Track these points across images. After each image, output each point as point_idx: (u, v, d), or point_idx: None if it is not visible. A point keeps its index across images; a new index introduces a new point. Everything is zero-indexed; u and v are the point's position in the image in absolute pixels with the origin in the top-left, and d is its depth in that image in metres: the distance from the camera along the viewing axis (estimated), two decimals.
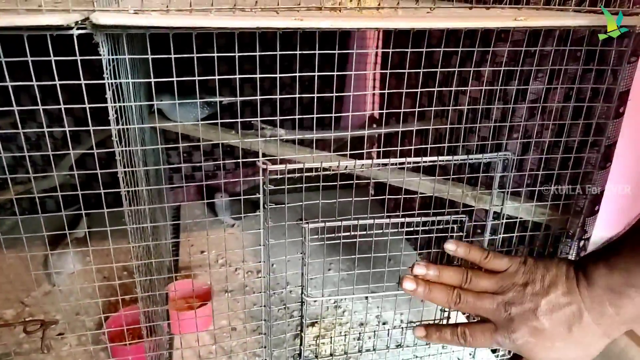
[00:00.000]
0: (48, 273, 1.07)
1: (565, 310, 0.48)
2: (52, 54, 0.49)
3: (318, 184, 0.68)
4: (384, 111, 1.21)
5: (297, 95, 0.62)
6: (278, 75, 0.58)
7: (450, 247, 0.58)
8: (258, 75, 0.57)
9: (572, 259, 0.80)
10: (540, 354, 0.50)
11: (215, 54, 0.55)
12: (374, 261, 0.75)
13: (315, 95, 0.60)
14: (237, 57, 0.55)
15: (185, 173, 1.47)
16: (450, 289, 0.54)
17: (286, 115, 0.68)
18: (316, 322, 0.94)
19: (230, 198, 1.31)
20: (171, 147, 1.37)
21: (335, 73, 0.62)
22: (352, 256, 0.74)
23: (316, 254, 0.75)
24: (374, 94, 1.35)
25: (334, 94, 0.63)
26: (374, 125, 1.35)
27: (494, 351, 0.90)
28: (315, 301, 0.95)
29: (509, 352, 0.57)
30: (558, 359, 0.50)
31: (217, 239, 1.20)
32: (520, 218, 0.82)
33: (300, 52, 0.57)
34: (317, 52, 0.57)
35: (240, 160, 0.65)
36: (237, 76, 0.57)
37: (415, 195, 0.86)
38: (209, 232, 1.27)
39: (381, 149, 0.88)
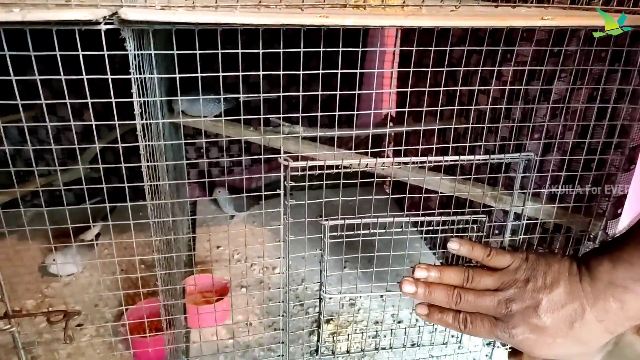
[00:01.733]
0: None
1: (567, 307, 0.48)
2: (80, 49, 0.50)
3: (337, 181, 0.68)
4: (402, 109, 1.20)
5: (319, 93, 0.62)
6: (301, 73, 0.58)
7: (453, 246, 0.58)
8: (281, 72, 0.57)
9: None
10: (541, 351, 0.50)
11: (240, 51, 0.55)
12: (391, 260, 0.75)
13: (338, 92, 0.60)
14: (261, 53, 0.55)
15: (202, 169, 1.48)
16: (451, 289, 0.54)
17: (303, 112, 0.68)
18: (332, 319, 0.95)
19: (234, 195, 1.36)
20: (189, 142, 1.38)
21: (358, 71, 0.62)
22: (370, 254, 0.74)
23: (333, 251, 0.75)
24: (391, 93, 1.34)
25: (356, 92, 0.63)
26: (391, 124, 1.34)
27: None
28: (331, 298, 0.95)
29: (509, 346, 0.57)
30: (558, 355, 0.50)
31: (234, 235, 1.20)
32: (541, 219, 0.81)
33: (323, 49, 0.57)
34: (340, 49, 0.57)
35: (261, 157, 0.65)
36: (261, 72, 0.57)
37: (433, 195, 0.86)
38: (222, 227, 1.27)
39: (401, 148, 0.88)
